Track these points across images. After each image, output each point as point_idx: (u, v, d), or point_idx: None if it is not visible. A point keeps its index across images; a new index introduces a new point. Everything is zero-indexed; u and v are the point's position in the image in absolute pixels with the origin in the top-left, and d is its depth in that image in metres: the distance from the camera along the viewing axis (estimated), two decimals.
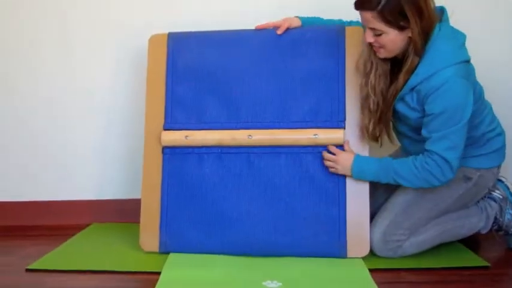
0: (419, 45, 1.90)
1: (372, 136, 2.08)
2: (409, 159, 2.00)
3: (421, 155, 1.98)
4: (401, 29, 1.89)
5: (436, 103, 1.89)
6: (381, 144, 2.13)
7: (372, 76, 2.03)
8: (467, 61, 1.95)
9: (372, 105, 2.04)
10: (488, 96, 2.12)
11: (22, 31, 2.64)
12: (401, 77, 1.96)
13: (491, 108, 2.12)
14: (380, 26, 1.90)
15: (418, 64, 1.94)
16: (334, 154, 2.09)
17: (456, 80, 1.87)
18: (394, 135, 2.16)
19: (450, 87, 1.87)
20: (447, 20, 1.99)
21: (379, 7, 1.86)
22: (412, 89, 1.96)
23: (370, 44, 1.99)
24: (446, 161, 1.92)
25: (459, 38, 1.97)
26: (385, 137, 2.12)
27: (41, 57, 2.64)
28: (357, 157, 2.06)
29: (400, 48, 1.95)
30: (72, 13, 2.62)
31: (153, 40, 2.29)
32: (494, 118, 2.12)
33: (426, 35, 1.91)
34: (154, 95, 2.23)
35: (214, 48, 2.24)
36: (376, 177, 2.05)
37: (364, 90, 2.06)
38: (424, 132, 1.96)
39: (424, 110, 1.95)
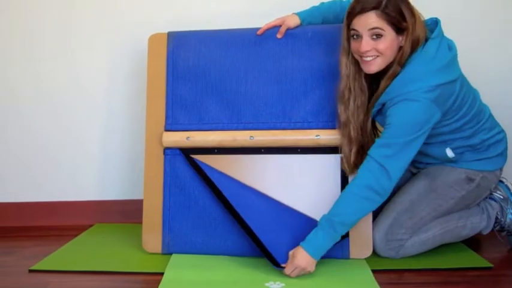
0: (406, 56, 1.91)
1: (353, 166, 2.03)
2: (345, 190, 1.94)
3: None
4: (398, 31, 1.89)
5: (391, 114, 1.90)
6: None
7: (351, 103, 2.01)
8: (444, 83, 1.89)
9: (352, 132, 2.01)
10: (488, 98, 2.11)
11: (22, 31, 2.64)
12: (382, 83, 1.95)
13: (490, 114, 2.11)
14: (383, 24, 1.87)
15: (396, 76, 1.92)
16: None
17: (418, 99, 1.86)
18: None
19: (408, 104, 1.86)
20: (439, 34, 1.94)
21: (383, 5, 1.86)
22: (383, 104, 1.96)
23: (361, 58, 1.94)
24: (383, 167, 1.87)
25: (442, 59, 1.91)
26: None
27: (42, 57, 2.65)
28: (305, 246, 1.90)
29: (393, 56, 1.93)
30: (72, 12, 2.63)
31: (153, 39, 2.26)
32: (494, 124, 2.12)
33: (414, 47, 1.91)
34: (155, 95, 2.22)
35: (215, 48, 2.22)
36: (333, 242, 1.92)
37: (344, 116, 2.03)
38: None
39: None
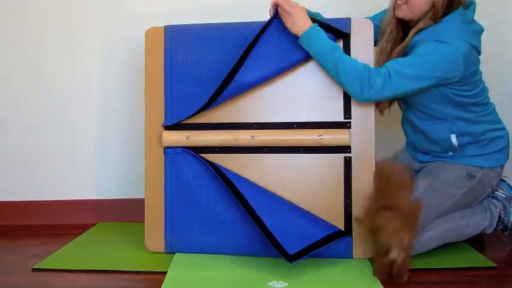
0: (439, 11, 1.99)
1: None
2: (353, 62, 2.01)
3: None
4: None
5: (419, 48, 1.97)
6: (382, 113, 2.19)
7: (384, 40, 2.12)
8: (474, 46, 1.99)
9: None
10: (492, 96, 2.13)
11: (22, 31, 2.64)
12: (410, 34, 2.04)
13: (494, 109, 2.14)
14: None
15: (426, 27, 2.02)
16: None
17: (450, 42, 1.94)
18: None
19: (439, 44, 1.94)
20: (473, 10, 2.06)
21: None
22: (413, 46, 2.03)
23: (395, 1, 2.07)
24: (388, 76, 1.94)
25: (475, 26, 2.04)
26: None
27: (42, 57, 2.65)
28: (315, 26, 2.02)
29: (422, 10, 2.03)
30: (72, 12, 2.64)
31: (150, 34, 2.20)
32: (498, 119, 2.14)
33: (448, 7, 1.99)
34: (154, 93, 2.18)
35: (214, 43, 2.15)
36: (318, 52, 2.02)
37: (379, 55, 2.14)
38: None
39: None
